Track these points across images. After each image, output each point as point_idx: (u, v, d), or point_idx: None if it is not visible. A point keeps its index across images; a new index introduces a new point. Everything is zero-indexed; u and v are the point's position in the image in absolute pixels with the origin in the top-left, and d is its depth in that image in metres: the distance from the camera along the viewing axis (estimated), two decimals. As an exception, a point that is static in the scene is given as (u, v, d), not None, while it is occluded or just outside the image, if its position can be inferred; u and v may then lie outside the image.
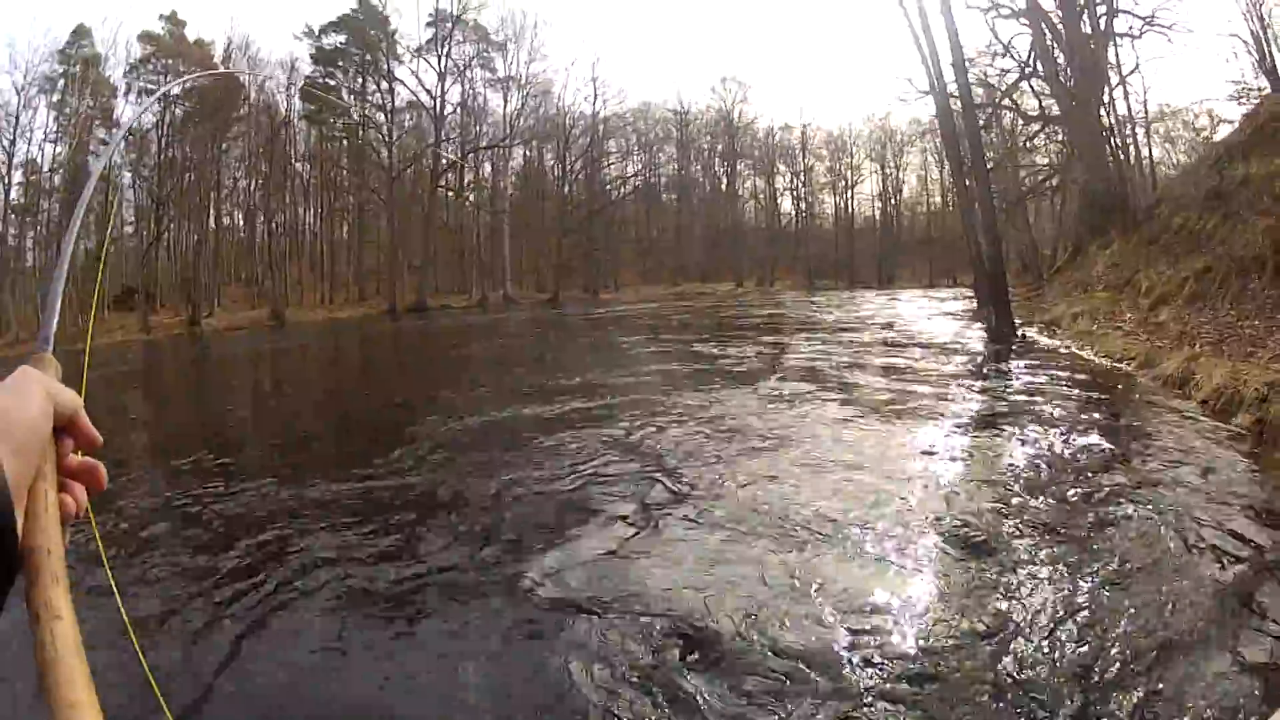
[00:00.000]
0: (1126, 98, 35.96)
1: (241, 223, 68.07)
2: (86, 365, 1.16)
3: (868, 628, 4.66)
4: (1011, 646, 4.33)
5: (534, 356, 21.91)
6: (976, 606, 4.85)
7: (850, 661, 4.30)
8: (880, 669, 4.21)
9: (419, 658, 4.70)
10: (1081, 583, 5.10)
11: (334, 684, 4.48)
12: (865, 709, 3.88)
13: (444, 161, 66.36)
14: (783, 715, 3.85)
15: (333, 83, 67.65)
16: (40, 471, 0.77)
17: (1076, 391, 12.19)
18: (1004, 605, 4.83)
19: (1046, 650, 4.28)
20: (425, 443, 10.19)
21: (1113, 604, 4.77)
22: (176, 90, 56.25)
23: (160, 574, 6.17)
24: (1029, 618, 4.64)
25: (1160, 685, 3.89)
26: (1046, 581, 5.16)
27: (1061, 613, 4.70)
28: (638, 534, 6.47)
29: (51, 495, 0.78)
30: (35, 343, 0.98)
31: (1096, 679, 3.98)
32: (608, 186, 78.78)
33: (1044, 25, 32.73)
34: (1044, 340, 19.46)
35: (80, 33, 56.69)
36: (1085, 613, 4.68)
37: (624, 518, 6.85)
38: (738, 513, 6.80)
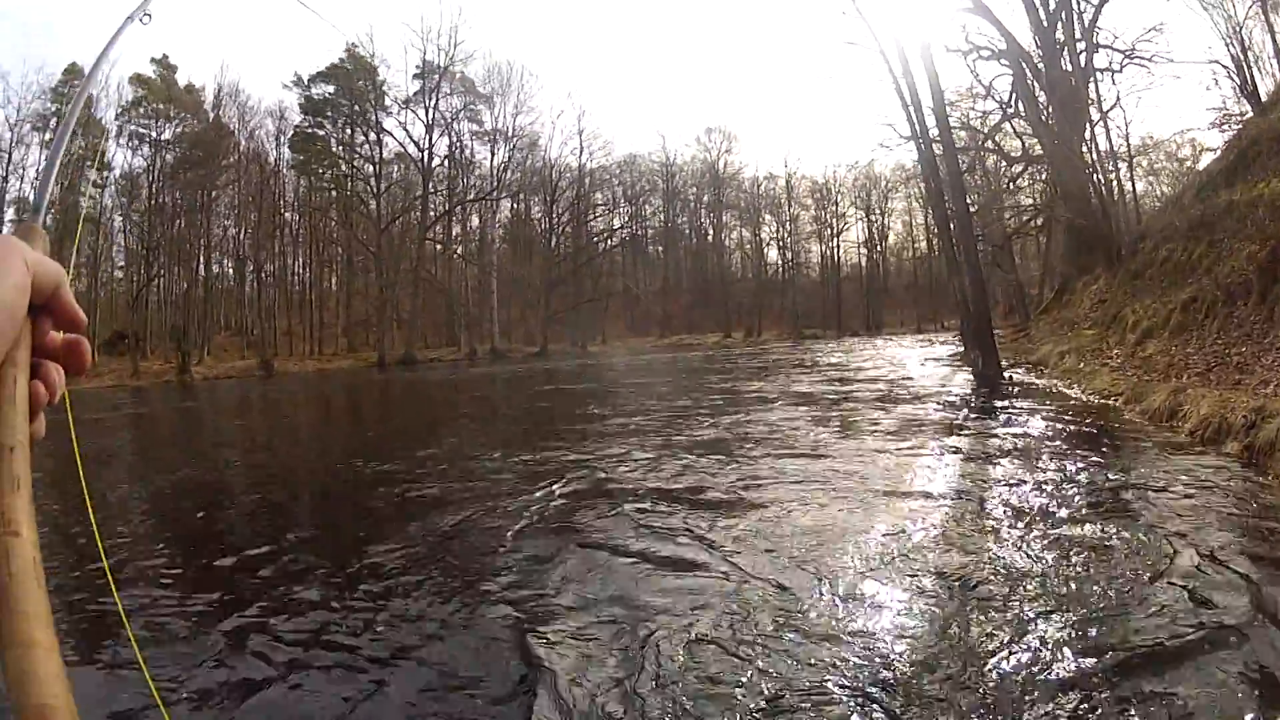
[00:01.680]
0: (1108, 133, 35.96)
1: (231, 271, 68.37)
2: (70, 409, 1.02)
3: (855, 648, 4.54)
4: (993, 673, 4.12)
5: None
6: (962, 637, 4.63)
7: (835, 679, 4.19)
8: (862, 689, 4.07)
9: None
10: (1070, 615, 4.79)
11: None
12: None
13: (432, 214, 66.53)
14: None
15: (321, 133, 67.94)
16: (10, 356, 0.67)
17: (1062, 430, 11.71)
18: (988, 635, 4.61)
19: (1031, 675, 4.07)
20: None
21: (1101, 639, 4.44)
22: (167, 136, 57.08)
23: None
24: (1014, 644, 4.43)
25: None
26: (1033, 612, 4.88)
27: (1050, 641, 4.43)
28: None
29: (21, 382, 0.68)
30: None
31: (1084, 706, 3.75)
32: (594, 239, 79.39)
33: (1024, 65, 32.68)
34: (1031, 380, 19.04)
35: (73, 71, 57.11)
36: (1073, 644, 4.38)
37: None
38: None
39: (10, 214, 52.69)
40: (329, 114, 68.32)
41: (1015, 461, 9.52)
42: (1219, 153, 26.43)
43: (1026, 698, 3.83)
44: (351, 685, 4.47)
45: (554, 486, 9.23)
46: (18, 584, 0.57)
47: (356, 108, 67.88)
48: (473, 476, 10.44)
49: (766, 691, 4.07)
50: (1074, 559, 5.75)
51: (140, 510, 9.44)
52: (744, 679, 4.21)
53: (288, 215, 70.12)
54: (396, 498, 9.40)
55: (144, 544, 7.73)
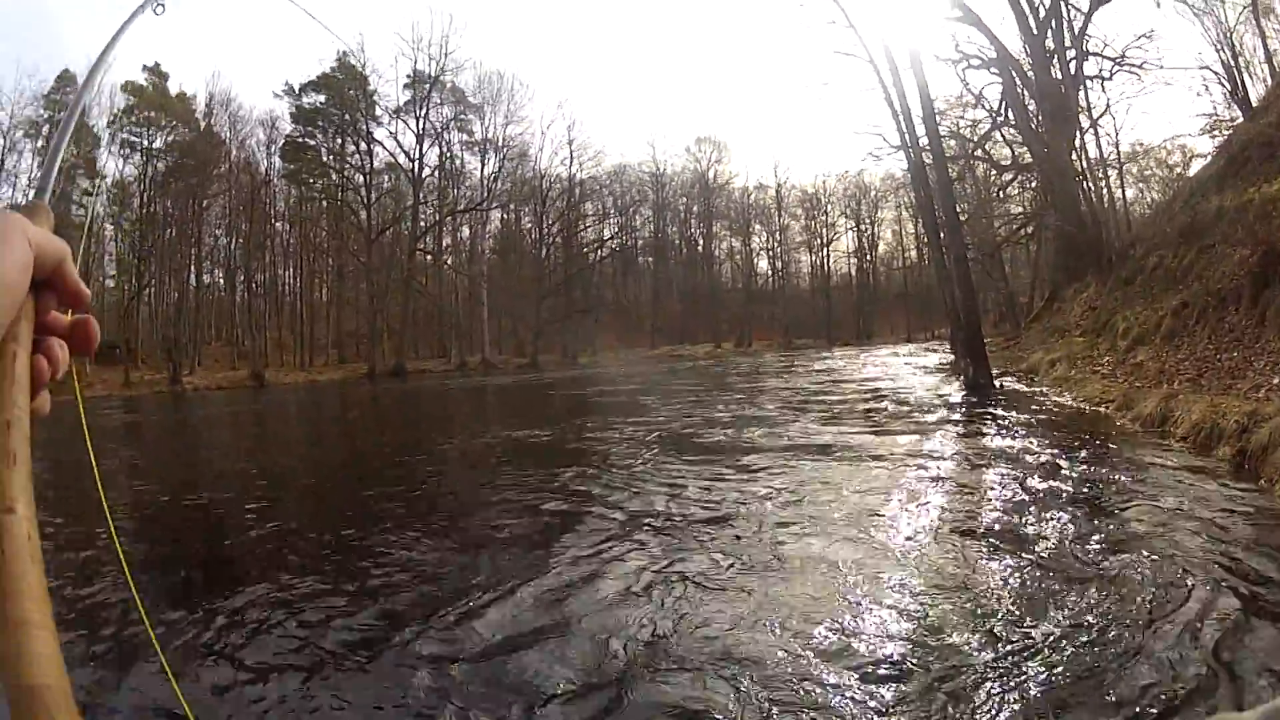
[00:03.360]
0: (1098, 140, 35.83)
1: (222, 281, 68.26)
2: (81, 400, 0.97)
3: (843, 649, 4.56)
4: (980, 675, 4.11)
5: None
6: (950, 643, 4.56)
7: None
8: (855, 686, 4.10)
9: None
10: (1059, 621, 4.74)
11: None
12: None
13: (422, 224, 66.38)
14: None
15: (312, 142, 67.84)
16: (10, 331, 0.67)
17: (1052, 437, 11.57)
18: (977, 640, 4.56)
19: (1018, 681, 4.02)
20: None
21: (1089, 646, 4.37)
22: (159, 144, 56.94)
23: None
24: (1003, 651, 4.37)
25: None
26: (1022, 619, 4.84)
27: (1040, 646, 4.40)
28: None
29: (22, 358, 0.68)
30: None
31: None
32: (585, 249, 79.27)
33: (1014, 74, 32.68)
34: (1022, 389, 19.01)
35: (66, 78, 57.13)
36: (1062, 649, 4.35)
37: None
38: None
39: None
40: (320, 123, 68.03)
41: (1004, 470, 9.38)
42: (1209, 158, 26.46)
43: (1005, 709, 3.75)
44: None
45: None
46: (12, 561, 0.57)
47: (347, 117, 67.61)
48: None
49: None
50: (1065, 572, 5.62)
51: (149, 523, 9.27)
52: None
53: (278, 225, 69.95)
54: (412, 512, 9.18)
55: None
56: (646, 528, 7.38)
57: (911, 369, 29.47)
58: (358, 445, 18.12)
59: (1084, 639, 4.43)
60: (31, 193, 0.96)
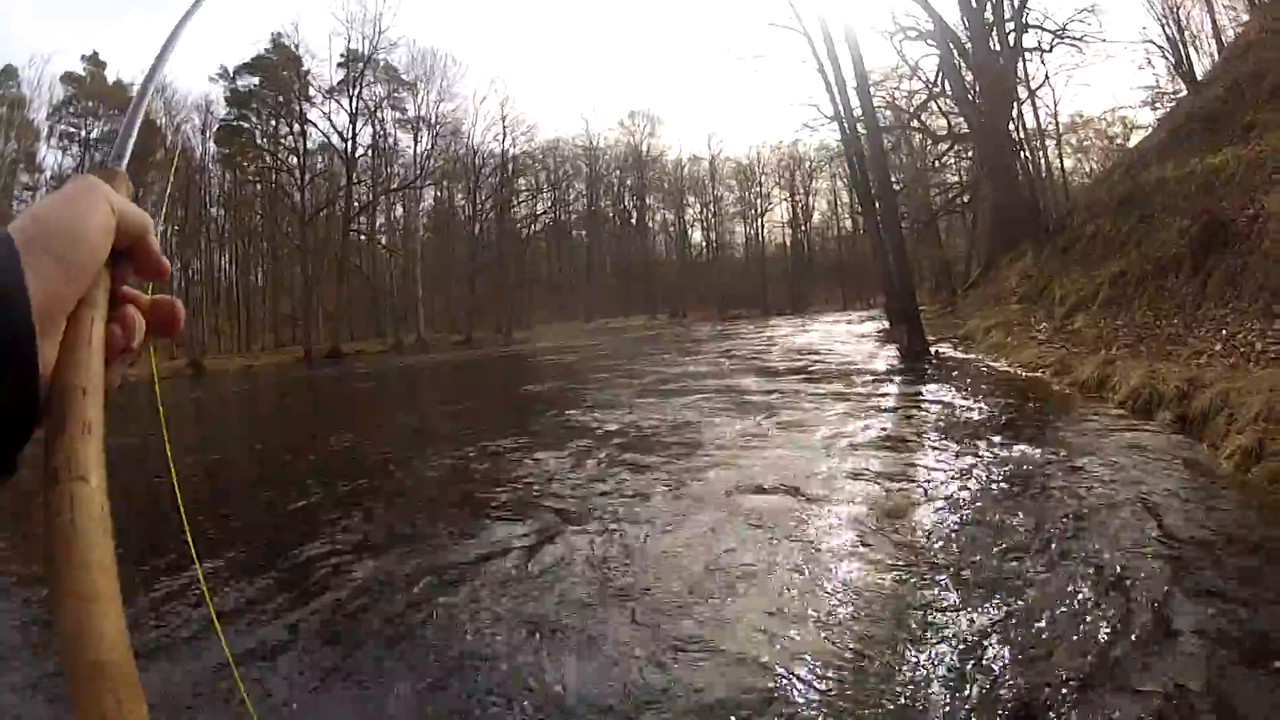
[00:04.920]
0: (1036, 111, 35.94)
1: (159, 269, 66.31)
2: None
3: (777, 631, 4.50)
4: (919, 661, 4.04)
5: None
6: (888, 625, 4.51)
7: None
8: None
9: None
10: (994, 598, 4.69)
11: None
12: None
13: (356, 204, 65.52)
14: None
15: (246, 125, 66.61)
16: (88, 297, 0.65)
17: (986, 403, 11.61)
18: (916, 622, 4.50)
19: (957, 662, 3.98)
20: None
21: (1028, 624, 4.31)
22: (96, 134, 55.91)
23: None
24: (944, 633, 4.31)
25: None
26: (959, 598, 4.75)
27: (980, 627, 4.33)
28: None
29: (98, 325, 0.65)
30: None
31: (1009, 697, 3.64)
32: (518, 225, 78.67)
33: (951, 45, 32.63)
34: (957, 355, 19.04)
35: (9, 73, 55.65)
36: (1001, 631, 4.28)
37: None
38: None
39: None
40: (254, 106, 66.60)
41: (938, 437, 9.33)
42: (1151, 130, 26.62)
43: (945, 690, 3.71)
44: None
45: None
46: (83, 533, 0.54)
47: (281, 99, 66.27)
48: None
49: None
50: (998, 540, 5.57)
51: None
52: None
53: (214, 211, 68.58)
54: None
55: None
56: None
57: (847, 337, 29.52)
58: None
59: (1014, 612, 4.41)
60: (117, 138, 0.96)
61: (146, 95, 1.02)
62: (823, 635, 4.39)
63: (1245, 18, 27.57)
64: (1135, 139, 35.31)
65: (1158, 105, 31.55)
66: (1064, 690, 3.58)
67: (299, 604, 5.55)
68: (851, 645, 4.25)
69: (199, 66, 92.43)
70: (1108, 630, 4.05)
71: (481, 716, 3.89)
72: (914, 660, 4.01)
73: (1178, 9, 31.05)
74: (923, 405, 11.86)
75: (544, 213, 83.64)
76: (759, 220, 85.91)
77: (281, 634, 5.06)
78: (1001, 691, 3.64)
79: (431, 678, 4.31)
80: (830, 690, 3.81)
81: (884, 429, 9.89)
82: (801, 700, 3.74)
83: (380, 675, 4.40)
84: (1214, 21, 30.88)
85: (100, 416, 0.60)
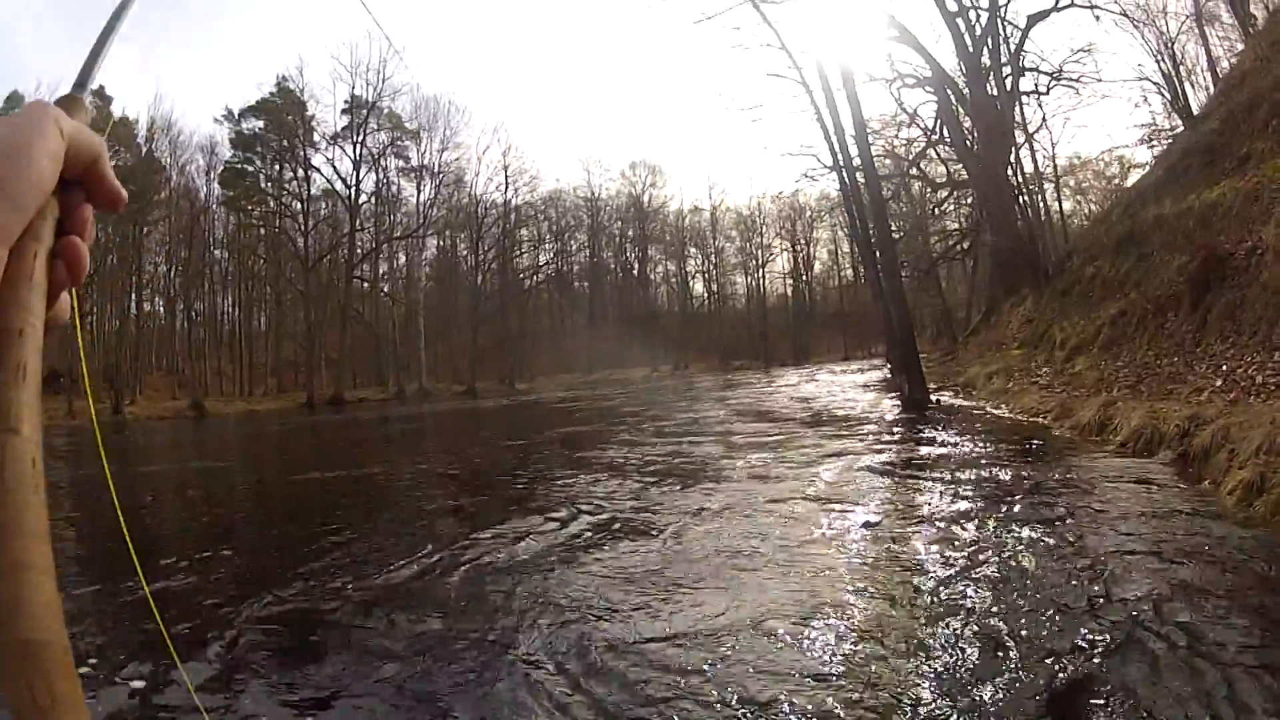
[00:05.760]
0: (1034, 154, 35.99)
1: (162, 310, 67.23)
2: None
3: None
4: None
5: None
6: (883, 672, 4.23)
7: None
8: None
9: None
10: (996, 628, 4.59)
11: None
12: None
13: (359, 251, 65.70)
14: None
15: (250, 168, 67.04)
16: (32, 228, 0.60)
17: (986, 449, 11.40)
18: (910, 672, 4.22)
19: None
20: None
21: (1029, 654, 4.20)
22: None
23: None
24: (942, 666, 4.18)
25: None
26: (962, 628, 4.64)
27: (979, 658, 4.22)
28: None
29: (41, 258, 0.60)
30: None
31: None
32: (520, 275, 79.05)
33: (949, 92, 32.71)
34: (959, 403, 18.83)
35: (14, 100, 55.86)
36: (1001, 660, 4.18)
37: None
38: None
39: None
40: (258, 149, 67.15)
41: (937, 485, 8.99)
42: (1148, 168, 26.64)
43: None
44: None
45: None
46: (13, 491, 0.49)
47: (285, 143, 66.76)
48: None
49: None
50: (1001, 587, 5.32)
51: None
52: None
53: (217, 253, 68.92)
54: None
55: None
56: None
57: (849, 387, 29.20)
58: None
59: (1019, 647, 4.25)
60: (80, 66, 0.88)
61: (116, 27, 0.91)
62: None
63: (1240, 47, 27.62)
64: (1133, 178, 35.36)
65: (1154, 143, 31.63)
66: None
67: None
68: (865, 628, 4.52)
69: (204, 105, 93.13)
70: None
71: None
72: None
73: (1173, 44, 31.29)
74: (920, 455, 11.62)
75: (546, 263, 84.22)
76: (760, 271, 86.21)
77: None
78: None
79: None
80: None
81: (881, 477, 9.73)
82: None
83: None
84: (1209, 54, 31.01)
85: (38, 361, 0.55)
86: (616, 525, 7.91)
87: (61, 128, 0.61)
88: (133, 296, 61.11)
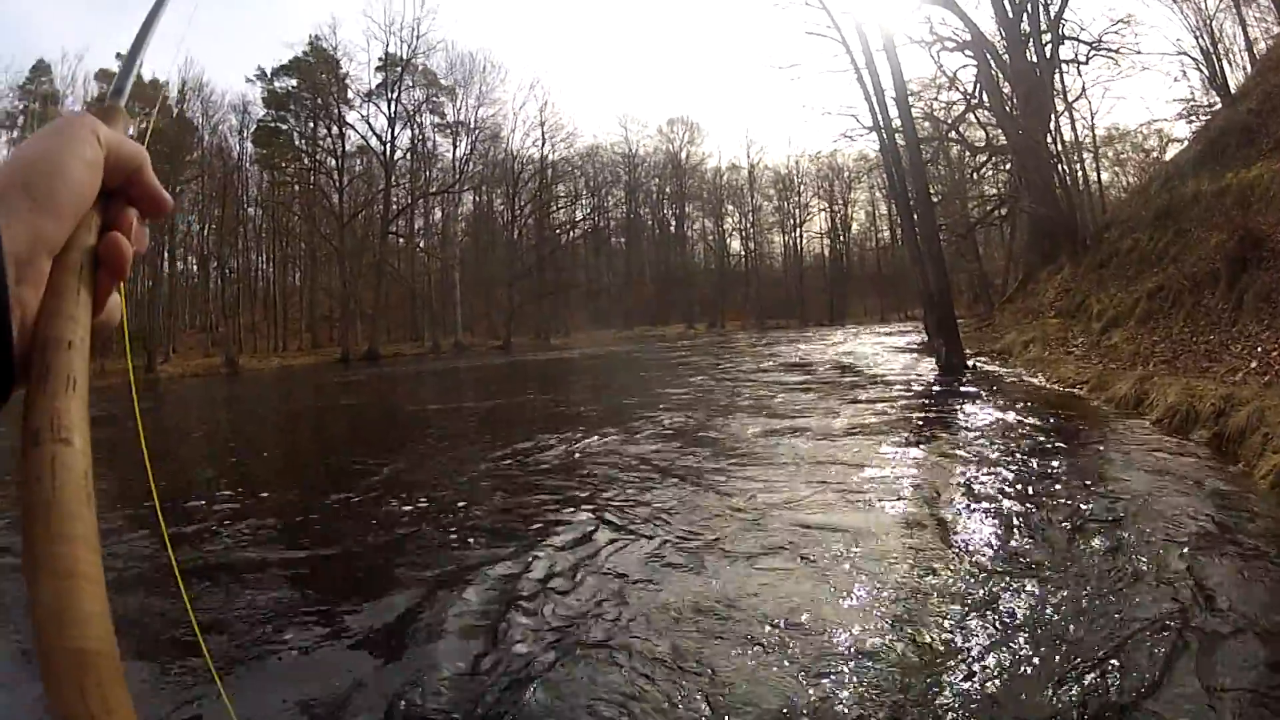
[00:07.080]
0: (1073, 123, 35.94)
1: (195, 268, 67.40)
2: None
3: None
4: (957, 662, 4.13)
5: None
6: (930, 627, 4.55)
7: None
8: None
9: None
10: (1036, 602, 4.80)
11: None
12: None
13: (394, 207, 65.82)
14: None
15: (284, 126, 67.05)
16: (75, 239, 0.60)
17: (1025, 417, 11.58)
18: (958, 625, 4.55)
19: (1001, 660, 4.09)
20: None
21: (1070, 631, 4.38)
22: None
23: None
24: (986, 637, 4.38)
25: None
26: (1003, 600, 4.87)
27: (1023, 631, 4.42)
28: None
29: (87, 271, 0.60)
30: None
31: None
32: (557, 231, 79.06)
33: (989, 56, 32.62)
34: (995, 369, 19.02)
35: (40, 69, 56.22)
36: (1042, 634, 4.37)
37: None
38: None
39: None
40: (292, 107, 67.00)
41: (976, 451, 9.38)
42: (1186, 143, 26.55)
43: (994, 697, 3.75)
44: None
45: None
46: (66, 501, 0.49)
47: (319, 101, 66.73)
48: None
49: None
50: (1040, 556, 5.61)
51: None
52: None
53: (251, 210, 69.16)
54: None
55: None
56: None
57: (885, 349, 29.49)
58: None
59: (1053, 627, 4.43)
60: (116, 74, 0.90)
61: (149, 34, 0.99)
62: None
63: (1277, 29, 27.52)
64: (1171, 152, 35.11)
65: (1193, 118, 31.43)
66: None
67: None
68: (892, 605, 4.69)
69: (236, 67, 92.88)
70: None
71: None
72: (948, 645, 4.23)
73: (1210, 21, 31.13)
74: (959, 420, 11.92)
75: (583, 219, 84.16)
76: (797, 230, 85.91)
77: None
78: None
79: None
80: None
81: (918, 452, 9.80)
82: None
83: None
84: (1246, 35, 30.82)
85: (85, 372, 0.56)
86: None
87: (100, 137, 0.63)
88: (165, 255, 61.67)
